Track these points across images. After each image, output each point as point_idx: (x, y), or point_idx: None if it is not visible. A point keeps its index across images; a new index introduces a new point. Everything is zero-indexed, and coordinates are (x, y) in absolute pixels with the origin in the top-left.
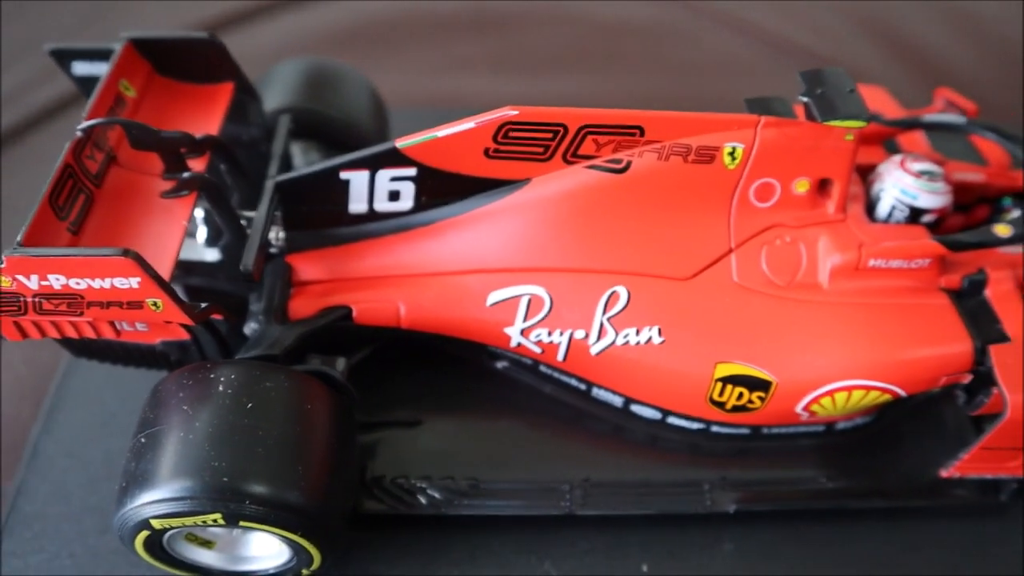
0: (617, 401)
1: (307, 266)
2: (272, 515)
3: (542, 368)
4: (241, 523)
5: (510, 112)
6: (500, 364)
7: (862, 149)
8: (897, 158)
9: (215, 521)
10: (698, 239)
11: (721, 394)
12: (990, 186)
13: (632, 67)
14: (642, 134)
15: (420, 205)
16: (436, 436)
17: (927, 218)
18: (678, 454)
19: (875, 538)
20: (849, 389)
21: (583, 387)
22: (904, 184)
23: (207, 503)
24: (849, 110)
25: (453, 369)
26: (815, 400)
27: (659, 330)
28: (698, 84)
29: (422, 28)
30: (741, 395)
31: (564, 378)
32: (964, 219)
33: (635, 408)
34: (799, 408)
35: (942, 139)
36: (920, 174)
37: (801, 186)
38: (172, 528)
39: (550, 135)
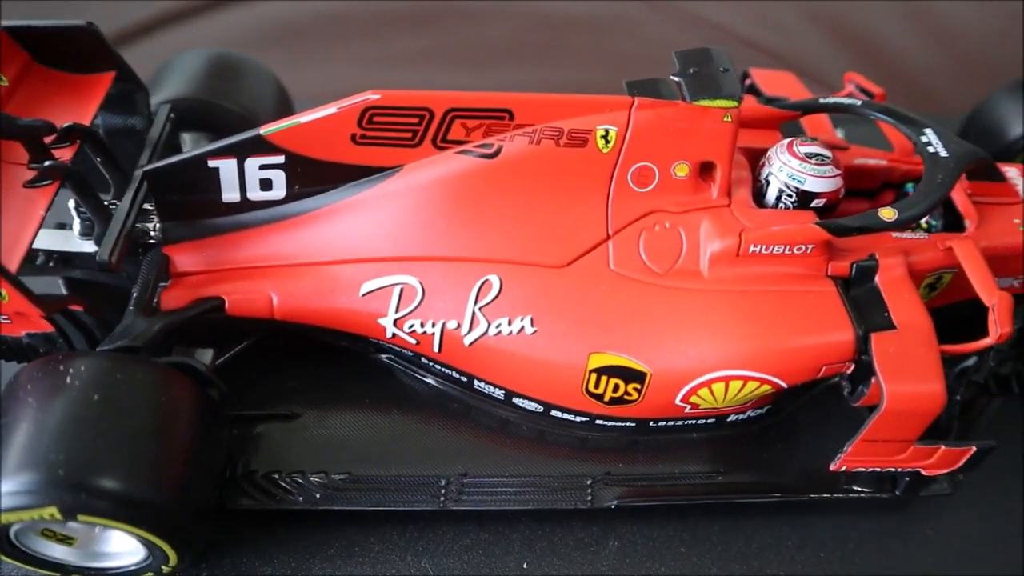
0: (499, 394)
1: (185, 257)
2: (113, 510)
3: (423, 360)
4: (80, 518)
5: (372, 96)
6: (384, 356)
7: (758, 134)
8: (786, 142)
9: (52, 516)
10: (574, 225)
11: (597, 385)
12: (894, 171)
13: (575, 60)
14: (511, 117)
15: (293, 194)
16: (314, 430)
17: (817, 203)
18: (564, 448)
19: (769, 534)
20: (726, 380)
21: (464, 379)
22: (791, 168)
23: (41, 497)
24: (720, 90)
25: (338, 362)
26: (693, 391)
27: (531, 319)
28: (642, 77)
29: (360, 22)
30: (617, 387)
31: (446, 370)
32: (870, 205)
33: (517, 401)
34: (678, 400)
35: (863, 127)
36: (808, 157)
37: (681, 170)
38: (12, 523)
39: (416, 120)
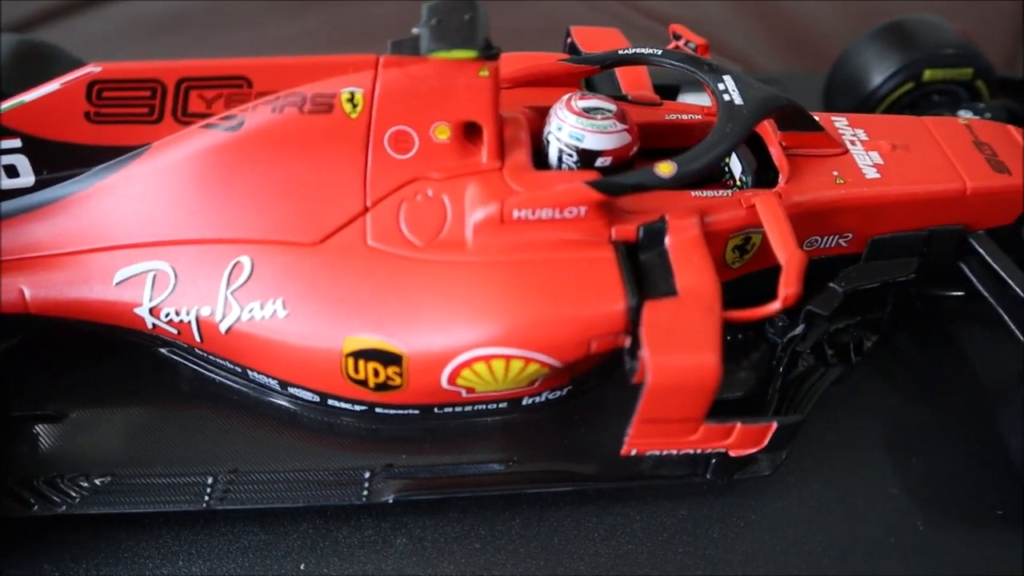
0: (274, 383)
1: None
2: None
3: (198, 352)
4: None
5: (93, 69)
6: (166, 350)
7: (558, 92)
8: (565, 97)
9: None
10: (328, 199)
11: (357, 371)
12: (710, 126)
13: None
14: (250, 86)
15: (44, 180)
16: (82, 430)
17: (602, 162)
18: (348, 440)
19: (574, 526)
20: (487, 359)
21: (239, 369)
22: (569, 125)
23: None
24: (458, 40)
25: (121, 358)
26: (456, 374)
27: (283, 302)
28: (533, 49)
29: (244, 9)
30: (377, 371)
31: (221, 360)
32: None
33: (294, 390)
34: (445, 384)
35: None
36: (586, 112)
37: (441, 132)
38: None
39: (148, 93)
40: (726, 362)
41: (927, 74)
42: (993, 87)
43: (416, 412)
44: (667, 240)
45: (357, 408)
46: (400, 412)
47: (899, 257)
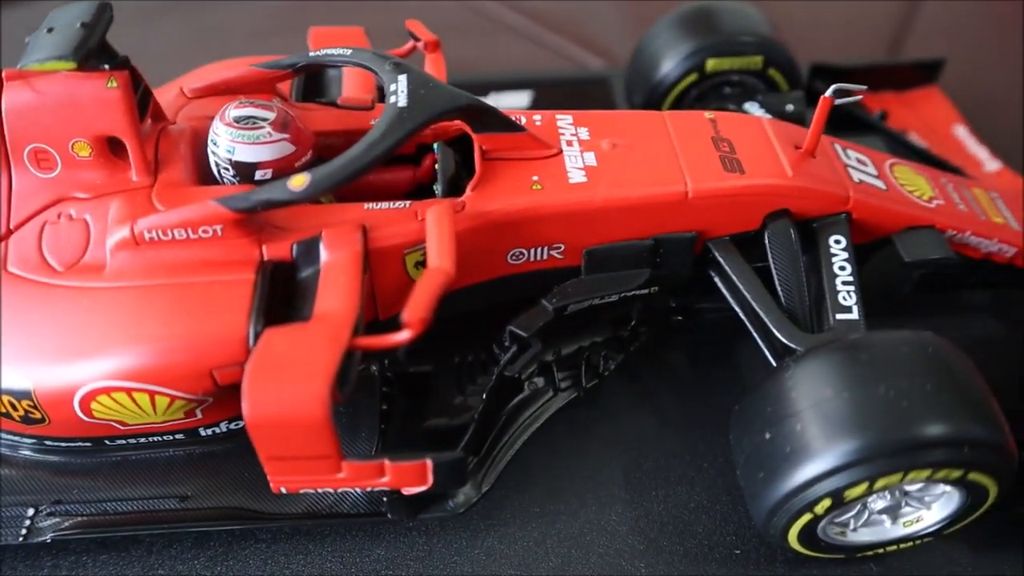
0: None
1: None
2: None
3: None
4: None
5: None
6: None
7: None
8: (223, 108)
9: None
10: None
11: None
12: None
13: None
14: None
15: None
16: None
17: (261, 174)
18: (26, 474)
19: (262, 567)
20: (107, 392)
21: None
22: (222, 137)
23: None
24: (56, 50)
25: None
26: (85, 407)
27: None
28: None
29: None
30: (14, 405)
31: None
32: (413, 172)
33: None
34: (83, 417)
35: None
36: (236, 122)
37: (82, 149)
38: None
39: None
40: (449, 387)
41: (710, 63)
42: (792, 76)
43: (88, 444)
44: (323, 258)
45: (28, 440)
46: (71, 445)
47: (625, 268)
